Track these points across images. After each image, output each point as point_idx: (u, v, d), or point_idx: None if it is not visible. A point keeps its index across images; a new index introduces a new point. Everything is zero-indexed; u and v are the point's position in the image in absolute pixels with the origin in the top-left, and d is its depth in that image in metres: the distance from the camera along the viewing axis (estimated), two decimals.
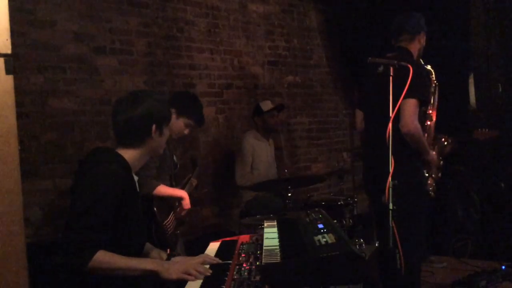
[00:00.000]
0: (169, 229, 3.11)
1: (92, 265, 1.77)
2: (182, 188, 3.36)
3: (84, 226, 1.81)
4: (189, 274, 1.83)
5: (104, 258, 1.80)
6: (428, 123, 3.29)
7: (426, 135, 3.18)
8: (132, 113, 2.01)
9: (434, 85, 3.35)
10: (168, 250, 2.33)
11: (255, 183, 4.04)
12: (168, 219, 3.13)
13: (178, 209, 3.21)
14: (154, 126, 2.05)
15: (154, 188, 2.99)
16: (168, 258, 2.15)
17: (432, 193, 3.25)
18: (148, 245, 2.23)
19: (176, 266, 1.87)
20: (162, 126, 2.09)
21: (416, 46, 3.16)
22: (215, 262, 2.00)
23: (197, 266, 1.88)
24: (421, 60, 3.24)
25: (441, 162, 3.36)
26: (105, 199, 1.87)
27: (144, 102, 2.04)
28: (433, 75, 3.32)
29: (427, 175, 3.21)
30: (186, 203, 3.16)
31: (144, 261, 1.91)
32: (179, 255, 2.26)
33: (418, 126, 2.87)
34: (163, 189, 3.05)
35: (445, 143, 3.43)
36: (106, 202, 1.87)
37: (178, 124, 3.29)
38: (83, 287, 1.91)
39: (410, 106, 2.81)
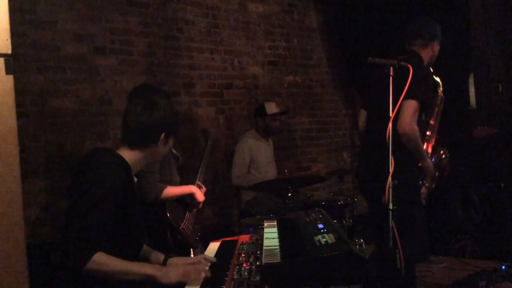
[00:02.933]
0: (187, 230, 3.09)
1: (90, 266, 1.76)
2: (197, 173, 3.36)
3: (84, 227, 1.80)
4: (190, 276, 1.82)
5: (102, 260, 1.78)
6: (429, 133, 3.27)
7: (425, 144, 3.18)
8: (147, 119, 2.02)
9: (439, 97, 3.32)
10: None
11: (253, 182, 4.04)
12: (185, 220, 3.11)
13: (193, 204, 3.20)
14: (163, 135, 2.06)
15: (161, 191, 2.98)
16: (165, 260, 2.15)
17: (423, 201, 3.22)
18: (146, 248, 2.23)
19: (175, 270, 1.86)
20: (169, 136, 2.11)
21: (428, 53, 3.15)
22: (213, 260, 2.00)
23: (197, 267, 1.87)
24: (431, 69, 3.20)
25: (437, 174, 3.34)
26: (105, 200, 1.86)
27: (160, 109, 2.04)
28: (441, 88, 3.30)
29: (420, 183, 3.17)
30: (198, 196, 3.16)
31: (143, 266, 1.89)
32: (175, 255, 2.26)
33: (415, 128, 2.83)
34: (171, 190, 3.04)
35: (443, 156, 3.41)
36: (106, 204, 1.86)
37: None
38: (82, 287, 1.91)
39: (409, 107, 2.80)
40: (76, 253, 1.77)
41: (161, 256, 2.19)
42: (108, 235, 1.86)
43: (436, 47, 3.18)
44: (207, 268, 1.90)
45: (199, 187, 3.30)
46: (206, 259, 2.03)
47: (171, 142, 2.15)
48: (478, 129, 3.79)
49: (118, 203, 1.90)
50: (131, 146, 2.05)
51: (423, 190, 3.21)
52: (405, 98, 2.54)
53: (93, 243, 1.79)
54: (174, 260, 2.13)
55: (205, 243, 2.44)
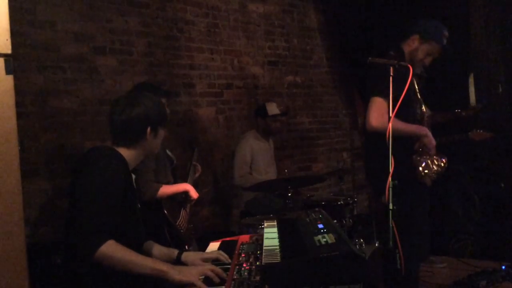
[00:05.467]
0: (183, 227, 3.12)
1: (103, 251, 1.72)
2: (187, 177, 3.37)
3: (92, 215, 1.78)
4: (207, 276, 1.79)
5: (115, 248, 1.75)
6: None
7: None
8: (129, 115, 2.02)
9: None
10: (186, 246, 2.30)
11: (254, 183, 4.04)
12: (180, 217, 3.14)
13: (187, 201, 3.22)
14: (149, 128, 2.06)
15: (157, 191, 2.99)
16: (180, 254, 2.14)
17: (429, 180, 2.99)
18: (150, 242, 2.23)
19: (190, 269, 1.83)
20: (157, 127, 2.10)
21: (406, 48, 3.09)
22: (228, 261, 2.00)
23: (214, 268, 1.83)
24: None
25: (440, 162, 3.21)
26: (108, 189, 1.86)
27: (140, 104, 2.05)
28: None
29: (424, 165, 2.97)
30: (192, 193, 3.18)
31: (156, 261, 1.87)
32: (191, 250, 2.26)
33: (382, 119, 2.78)
34: (166, 189, 3.06)
35: (443, 165, 3.22)
36: (110, 193, 1.86)
37: None
38: (82, 287, 1.91)
39: (371, 103, 2.82)
40: (86, 240, 1.74)
41: (164, 249, 2.19)
42: (116, 225, 1.84)
43: (415, 43, 3.08)
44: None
45: None
46: (222, 255, 2.03)
47: (162, 133, 2.15)
48: (474, 132, 3.74)
49: (120, 194, 1.90)
50: (121, 144, 2.06)
51: (431, 169, 2.98)
52: (371, 95, 2.54)
53: (104, 229, 1.77)
54: (189, 254, 2.13)
55: (205, 243, 2.44)
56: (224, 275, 1.80)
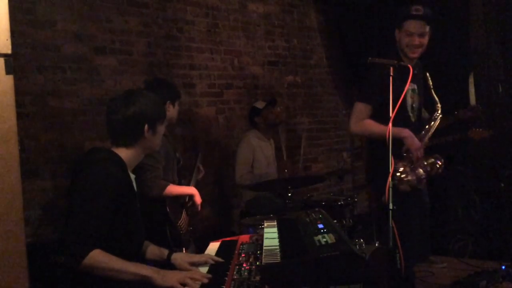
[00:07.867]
0: (183, 228, 3.13)
1: (87, 262, 1.75)
2: (190, 179, 3.39)
3: (81, 223, 1.80)
4: (186, 284, 1.77)
5: (99, 257, 1.78)
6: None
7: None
8: (125, 113, 2.01)
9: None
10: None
11: (255, 183, 4.04)
12: (181, 218, 3.16)
13: (190, 205, 3.23)
14: (146, 126, 2.05)
15: (164, 188, 3.00)
16: (170, 254, 2.14)
17: (405, 186, 2.91)
18: (146, 242, 2.23)
19: (172, 275, 1.82)
20: (155, 125, 2.09)
21: (397, 43, 3.09)
22: (218, 261, 1.99)
23: (194, 274, 1.84)
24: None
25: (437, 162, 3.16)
26: (102, 197, 1.86)
27: (136, 102, 2.03)
28: (438, 105, 3.14)
29: (402, 170, 2.91)
30: (197, 198, 3.20)
31: (139, 266, 1.85)
32: (180, 251, 2.25)
33: (359, 123, 2.95)
34: (173, 189, 3.07)
35: (438, 166, 3.12)
36: (104, 201, 1.86)
37: (175, 111, 3.29)
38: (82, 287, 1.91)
39: (353, 108, 2.99)
40: (73, 249, 1.76)
41: (164, 250, 2.19)
42: (106, 231, 1.85)
43: (398, 36, 3.05)
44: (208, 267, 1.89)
45: None
46: (212, 259, 2.03)
47: (161, 129, 2.14)
48: (473, 130, 3.73)
49: (115, 199, 1.90)
50: (120, 144, 2.05)
51: (419, 171, 2.93)
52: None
53: (90, 239, 1.79)
54: (178, 255, 2.13)
55: (205, 243, 2.44)
56: (204, 279, 1.78)
